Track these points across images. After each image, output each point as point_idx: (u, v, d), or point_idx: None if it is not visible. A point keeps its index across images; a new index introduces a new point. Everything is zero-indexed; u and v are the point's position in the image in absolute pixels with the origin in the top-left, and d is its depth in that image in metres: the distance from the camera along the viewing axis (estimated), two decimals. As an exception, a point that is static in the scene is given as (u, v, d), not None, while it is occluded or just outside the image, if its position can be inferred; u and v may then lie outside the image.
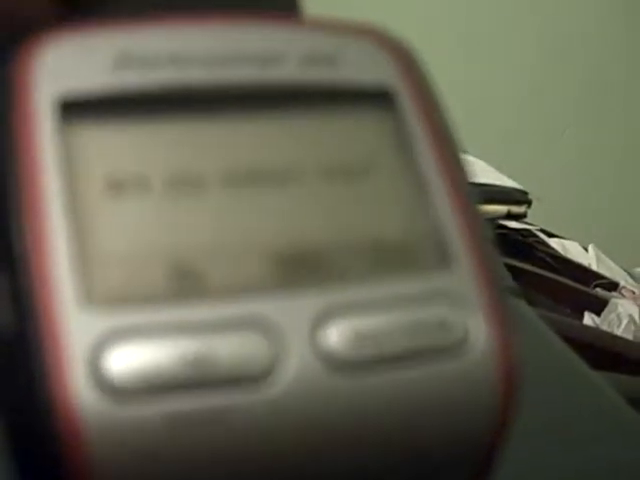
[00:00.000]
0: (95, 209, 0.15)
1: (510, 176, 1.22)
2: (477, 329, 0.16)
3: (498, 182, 1.18)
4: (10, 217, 0.15)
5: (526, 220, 1.22)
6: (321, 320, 0.16)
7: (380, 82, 0.18)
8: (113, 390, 0.14)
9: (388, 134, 0.18)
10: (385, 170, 0.17)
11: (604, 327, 1.04)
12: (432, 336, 0.16)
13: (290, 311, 0.15)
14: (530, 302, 0.48)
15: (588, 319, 1.06)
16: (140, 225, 0.16)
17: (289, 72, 0.17)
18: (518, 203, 1.19)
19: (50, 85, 0.16)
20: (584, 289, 1.14)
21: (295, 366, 0.15)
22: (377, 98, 0.18)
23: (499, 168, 1.22)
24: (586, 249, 1.30)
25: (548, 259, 1.20)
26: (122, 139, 0.16)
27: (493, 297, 0.17)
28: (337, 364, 0.15)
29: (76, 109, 0.16)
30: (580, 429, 0.31)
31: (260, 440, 0.15)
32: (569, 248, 1.27)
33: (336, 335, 0.16)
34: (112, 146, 0.16)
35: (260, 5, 0.19)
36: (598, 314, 1.07)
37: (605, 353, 0.88)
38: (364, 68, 0.18)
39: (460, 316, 0.16)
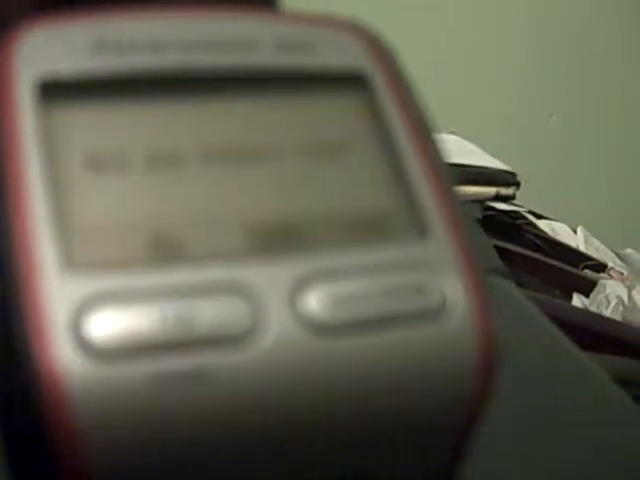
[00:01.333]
0: (75, 183, 0.16)
1: (498, 158, 1.23)
2: (454, 294, 0.17)
3: (487, 164, 1.18)
4: None
5: (515, 202, 1.22)
6: (300, 285, 0.16)
7: (354, 67, 0.18)
8: (95, 352, 0.14)
9: (362, 115, 0.18)
10: (360, 147, 0.18)
11: (593, 308, 1.04)
12: (410, 301, 0.16)
13: (269, 277, 0.16)
14: (519, 283, 0.49)
15: (577, 300, 1.07)
16: (120, 197, 0.16)
17: (264, 57, 0.18)
18: (507, 185, 1.19)
19: (30, 69, 0.16)
20: (573, 271, 1.14)
21: (275, 329, 0.15)
22: (351, 81, 0.18)
23: (487, 150, 1.22)
24: (575, 231, 1.31)
25: (537, 241, 1.20)
26: (101, 119, 0.16)
27: (469, 264, 0.17)
28: (316, 327, 0.16)
29: (55, 91, 0.16)
30: (567, 409, 0.31)
31: (241, 400, 0.15)
32: (558, 230, 1.28)
33: (315, 299, 0.16)
34: (91, 125, 0.16)
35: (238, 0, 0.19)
36: (587, 295, 1.08)
37: (593, 334, 0.88)
38: (338, 54, 0.18)
39: (437, 282, 0.17)
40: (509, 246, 1.09)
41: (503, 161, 1.21)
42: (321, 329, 0.16)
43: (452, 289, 0.17)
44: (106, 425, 0.14)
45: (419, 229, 0.17)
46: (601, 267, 1.18)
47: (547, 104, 1.60)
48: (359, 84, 0.18)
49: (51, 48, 0.16)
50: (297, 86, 0.18)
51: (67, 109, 0.16)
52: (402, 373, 0.16)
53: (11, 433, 0.15)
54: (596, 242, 1.30)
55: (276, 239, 0.16)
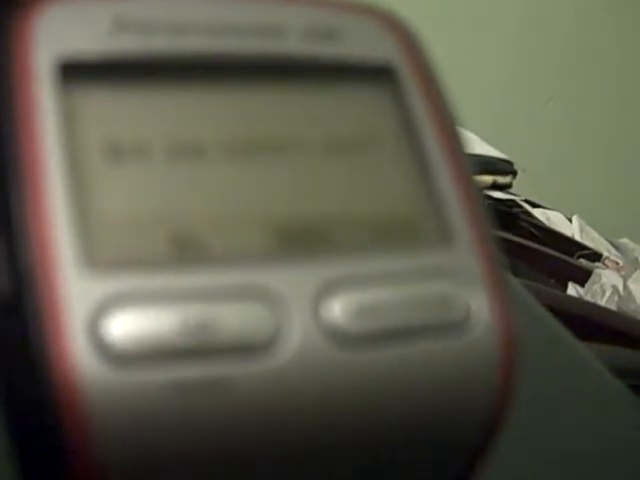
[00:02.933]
0: (94, 173, 0.15)
1: (495, 146, 1.22)
2: (479, 307, 0.16)
3: (484, 152, 1.18)
4: (9, 181, 0.14)
5: (511, 191, 1.22)
6: (324, 292, 0.15)
7: (381, 58, 0.18)
8: (114, 357, 0.14)
9: (389, 109, 0.18)
10: (387, 144, 0.17)
11: (588, 298, 1.04)
12: (434, 312, 0.16)
13: (293, 282, 0.15)
14: (514, 272, 0.48)
15: (572, 290, 1.07)
16: (140, 191, 0.15)
17: (290, 45, 0.17)
18: (503, 173, 1.19)
19: (49, 47, 0.15)
20: (568, 260, 1.14)
21: (297, 337, 0.15)
22: (378, 73, 0.18)
23: (484, 138, 1.22)
24: (570, 220, 1.31)
25: (532, 230, 1.20)
26: (122, 104, 0.16)
27: (494, 274, 0.17)
28: (339, 337, 0.15)
29: (75, 71, 0.15)
30: (564, 399, 0.31)
31: (261, 410, 0.15)
32: (553, 219, 1.28)
33: (339, 308, 0.15)
34: (112, 110, 0.16)
35: None
36: (582, 285, 1.08)
37: (589, 324, 0.88)
38: (365, 44, 0.18)
39: (462, 293, 0.16)
40: (505, 235, 1.09)
41: (499, 149, 1.20)
42: (344, 339, 0.15)
43: (476, 301, 0.16)
44: (123, 431, 0.14)
45: (445, 236, 0.17)
46: (596, 256, 1.19)
47: (544, 91, 1.59)
48: (387, 76, 0.18)
49: (70, 26, 0.16)
50: (324, 77, 0.18)
51: (86, 92, 0.15)
52: (425, 385, 0.16)
53: (26, 437, 0.15)
54: (591, 231, 1.30)
55: (301, 241, 0.16)
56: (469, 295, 0.16)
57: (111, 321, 0.14)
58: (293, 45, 0.17)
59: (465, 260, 0.17)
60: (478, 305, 0.16)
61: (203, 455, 0.14)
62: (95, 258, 0.14)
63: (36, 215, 0.14)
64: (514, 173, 1.20)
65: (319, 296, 0.15)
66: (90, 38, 0.16)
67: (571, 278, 1.09)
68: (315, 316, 0.15)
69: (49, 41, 0.15)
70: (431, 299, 0.16)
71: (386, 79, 0.18)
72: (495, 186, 1.18)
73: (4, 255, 0.14)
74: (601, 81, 1.61)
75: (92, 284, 0.14)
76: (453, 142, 0.18)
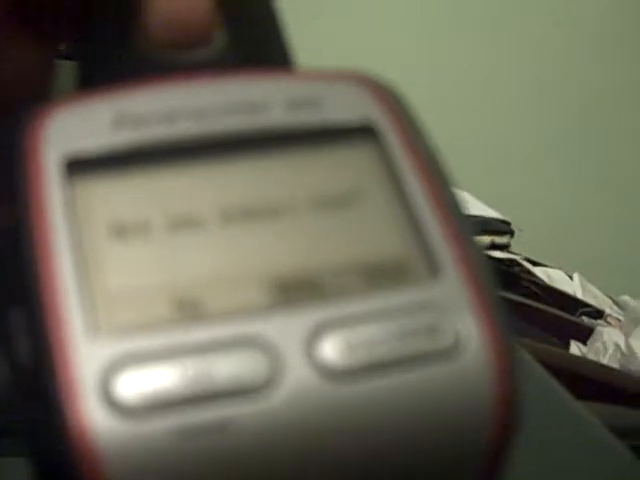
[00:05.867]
0: (100, 251, 0.17)
1: (492, 206, 1.23)
2: (468, 334, 0.17)
3: (480, 212, 1.18)
4: (25, 262, 0.16)
5: (510, 249, 1.22)
6: (315, 334, 0.17)
7: (363, 119, 0.19)
8: (123, 411, 0.15)
9: (374, 166, 0.19)
10: (373, 198, 0.18)
11: (590, 356, 1.04)
12: (423, 342, 0.17)
13: (285, 328, 0.16)
14: (515, 331, 0.48)
15: (574, 348, 1.06)
16: (142, 263, 0.17)
17: (275, 117, 0.18)
18: (501, 233, 1.19)
19: (56, 148, 0.18)
20: (570, 317, 1.14)
21: (292, 378, 0.16)
22: (362, 133, 0.19)
23: (481, 199, 1.22)
24: (571, 277, 1.31)
25: (533, 288, 1.20)
26: (123, 189, 0.18)
27: (484, 304, 0.17)
28: (332, 373, 0.16)
29: (79, 167, 0.18)
30: (562, 459, 0.31)
31: (261, 448, 0.16)
32: (554, 277, 1.28)
33: (329, 347, 0.16)
34: (114, 195, 0.18)
35: (254, 62, 0.20)
36: (584, 342, 1.07)
37: (591, 382, 0.88)
38: (347, 107, 0.19)
39: (450, 322, 0.17)
40: (505, 294, 1.08)
41: (495, 208, 1.21)
42: (337, 375, 0.16)
43: (465, 327, 0.17)
44: (135, 477, 0.15)
45: (432, 271, 0.17)
46: (598, 314, 1.18)
47: (540, 149, 1.61)
48: (369, 135, 0.19)
49: (74, 127, 0.18)
50: (308, 142, 0.19)
51: (90, 183, 0.18)
52: (419, 414, 0.16)
53: None
54: (593, 288, 1.30)
55: (292, 291, 0.17)
56: (457, 322, 0.17)
57: (118, 379, 0.16)
58: (277, 117, 0.18)
59: (452, 290, 0.17)
60: (467, 331, 0.17)
61: None
62: (102, 325, 0.16)
63: (49, 291, 0.16)
64: (511, 233, 1.20)
65: (310, 338, 0.16)
66: (91, 136, 0.18)
67: (573, 336, 1.09)
68: (307, 357, 0.16)
69: (55, 143, 0.18)
70: (419, 329, 0.17)
71: (369, 137, 0.19)
72: (493, 246, 1.18)
73: (24, 327, 0.16)
74: (599, 139, 1.63)
75: (100, 348, 0.16)
76: (439, 191, 0.18)
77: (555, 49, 1.60)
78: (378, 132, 0.19)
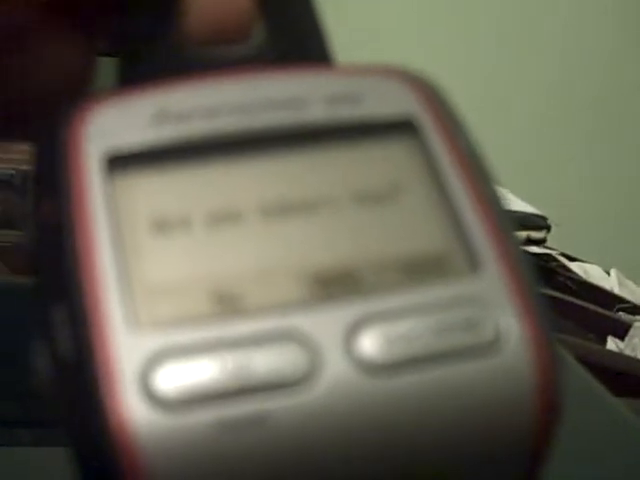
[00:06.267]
0: (141, 246, 0.17)
1: (529, 202, 1.22)
2: (508, 329, 0.17)
3: (516, 207, 1.18)
4: (66, 257, 0.17)
5: (546, 245, 1.21)
6: (354, 329, 0.17)
7: (403, 113, 0.19)
8: (163, 404, 0.16)
9: (414, 160, 0.19)
10: (413, 193, 0.18)
11: (627, 352, 1.03)
12: (462, 337, 0.17)
13: (324, 323, 0.17)
14: (556, 327, 0.48)
15: (611, 344, 1.05)
16: (183, 257, 0.17)
17: (315, 113, 0.19)
18: (537, 228, 1.18)
19: (97, 144, 0.18)
20: (607, 313, 1.13)
21: (330, 372, 0.16)
22: (401, 128, 0.19)
23: (517, 194, 1.21)
24: (608, 273, 1.29)
25: (570, 283, 1.19)
26: (163, 184, 0.18)
27: (525, 299, 0.17)
28: (370, 369, 0.16)
29: (121, 162, 0.18)
30: (599, 457, 0.31)
31: (300, 441, 0.16)
32: (591, 272, 1.27)
33: (368, 341, 0.16)
34: (155, 191, 0.18)
35: (293, 58, 0.20)
36: (622, 338, 1.06)
37: (629, 378, 0.87)
38: (386, 102, 0.19)
39: (490, 316, 0.17)
40: (542, 289, 1.08)
41: (532, 204, 1.20)
42: (376, 370, 0.16)
43: (505, 322, 0.17)
44: (175, 472, 0.16)
45: (471, 266, 0.17)
46: (636, 309, 1.17)
47: (576, 144, 1.59)
48: (409, 129, 0.19)
49: (116, 123, 0.18)
50: (348, 137, 0.19)
51: (132, 179, 0.18)
52: (457, 409, 0.16)
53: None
54: (630, 284, 1.28)
55: (331, 286, 0.17)
56: (497, 316, 0.17)
57: (158, 373, 0.16)
58: (317, 113, 0.19)
59: (493, 285, 0.17)
60: (507, 326, 0.17)
61: None
62: (142, 319, 0.16)
63: (90, 285, 0.16)
64: (548, 228, 1.19)
65: (349, 333, 0.17)
66: (132, 132, 0.18)
67: (610, 332, 1.08)
68: (345, 351, 0.16)
69: (97, 139, 0.18)
70: (459, 324, 0.17)
71: (408, 132, 0.19)
72: (529, 241, 1.17)
73: (66, 321, 0.16)
74: (634, 130, 1.61)
75: (140, 342, 0.16)
76: (479, 185, 0.18)
77: (589, 41, 1.59)
78: (418, 127, 0.19)
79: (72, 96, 0.21)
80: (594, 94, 1.60)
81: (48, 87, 0.22)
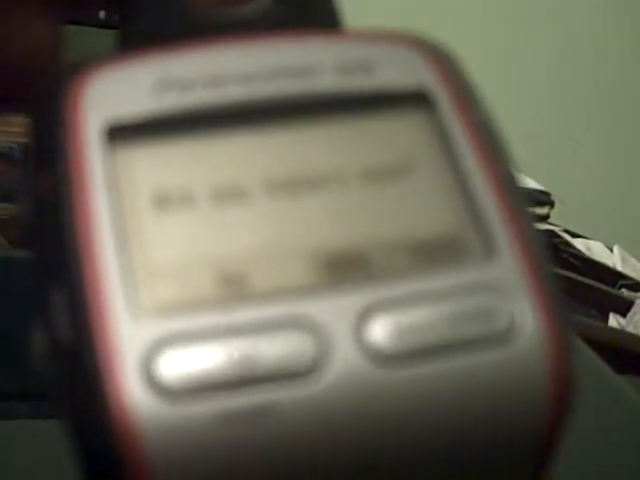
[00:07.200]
0: (143, 224, 0.16)
1: (532, 178, 1.22)
2: (523, 317, 0.16)
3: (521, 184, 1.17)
4: (65, 237, 0.16)
5: (549, 221, 1.21)
6: (364, 316, 0.16)
7: (416, 84, 0.18)
8: (165, 392, 0.15)
9: (427, 134, 0.18)
10: (426, 169, 0.18)
11: (629, 329, 1.03)
12: (476, 325, 0.16)
13: (334, 309, 0.16)
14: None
15: (613, 321, 1.06)
16: (186, 236, 0.16)
17: (324, 82, 0.18)
18: (541, 205, 1.18)
19: (96, 114, 0.17)
20: (609, 290, 1.13)
21: (341, 361, 0.16)
22: (414, 100, 0.18)
23: (520, 170, 1.21)
24: (611, 249, 1.29)
25: (572, 260, 1.19)
26: (166, 157, 0.17)
27: (540, 286, 0.17)
28: (381, 357, 0.16)
29: (121, 133, 0.17)
30: (601, 433, 0.31)
31: (308, 433, 0.15)
32: (594, 249, 1.27)
33: (379, 329, 0.16)
34: (157, 164, 0.17)
35: (302, 20, 0.19)
36: (624, 315, 1.07)
37: (631, 355, 0.87)
38: (400, 72, 0.18)
39: (505, 304, 0.16)
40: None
41: (535, 179, 1.20)
42: (387, 359, 0.16)
43: (520, 311, 0.16)
44: (177, 462, 0.15)
45: (486, 251, 0.17)
46: (638, 286, 1.17)
47: (579, 119, 1.59)
48: (422, 102, 0.18)
49: (116, 92, 0.17)
50: (359, 109, 0.18)
51: (133, 150, 0.17)
52: (470, 399, 0.16)
53: (83, 470, 0.16)
54: (633, 261, 1.28)
55: (341, 269, 0.16)
56: (512, 305, 0.16)
57: (161, 360, 0.15)
58: (327, 82, 0.18)
59: (507, 272, 0.17)
60: (522, 314, 0.16)
61: None
62: (144, 303, 0.16)
63: (90, 265, 0.16)
64: (551, 204, 1.19)
65: (360, 320, 0.16)
66: (133, 101, 0.17)
67: (613, 309, 1.08)
68: (356, 339, 0.16)
69: (96, 109, 0.17)
70: (472, 312, 0.16)
71: (422, 104, 0.18)
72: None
73: (66, 306, 0.16)
74: (637, 108, 1.60)
75: (142, 327, 0.15)
76: (495, 162, 0.18)
77: (602, 22, 1.58)
78: (432, 99, 0.18)
79: (41, 68, 0.20)
80: (600, 67, 1.59)
81: (19, 64, 0.21)
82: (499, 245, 0.17)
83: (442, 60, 0.19)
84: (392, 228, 0.17)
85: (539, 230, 0.18)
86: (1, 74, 0.20)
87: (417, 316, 0.16)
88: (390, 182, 0.17)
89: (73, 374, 0.16)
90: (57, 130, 0.17)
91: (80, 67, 0.18)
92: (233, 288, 0.16)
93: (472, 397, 0.16)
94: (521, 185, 0.18)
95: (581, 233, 1.29)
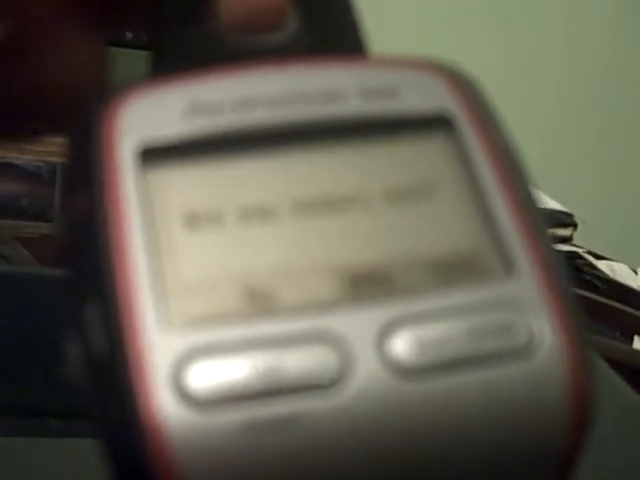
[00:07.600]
0: (173, 242, 0.17)
1: (555, 199, 1.21)
2: (542, 332, 0.17)
3: (542, 205, 1.17)
4: (100, 255, 0.17)
5: (573, 242, 1.21)
6: (386, 331, 0.16)
7: (438, 109, 0.19)
8: (194, 403, 0.16)
9: (449, 157, 0.18)
10: (448, 191, 0.18)
11: (654, 351, 1.02)
12: (495, 340, 0.17)
13: (356, 324, 0.16)
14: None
15: (638, 343, 1.05)
16: (215, 254, 0.17)
17: (349, 106, 0.18)
18: (564, 226, 1.18)
19: (130, 137, 0.18)
20: (634, 312, 1.12)
21: (363, 374, 0.16)
22: (436, 124, 0.19)
23: (543, 191, 1.21)
24: (635, 271, 1.28)
25: (596, 282, 1.18)
26: (196, 178, 0.18)
27: (559, 302, 0.17)
28: (403, 371, 0.16)
29: (154, 156, 0.18)
30: (621, 454, 0.31)
31: (332, 445, 0.16)
32: (618, 270, 1.26)
33: (401, 344, 0.16)
34: (187, 184, 0.18)
35: (327, 48, 0.20)
36: (648, 338, 1.05)
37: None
38: (423, 97, 0.19)
39: (523, 320, 0.17)
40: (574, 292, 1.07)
41: (558, 200, 1.19)
42: (408, 373, 0.16)
43: (539, 326, 0.17)
44: (205, 471, 0.16)
45: (505, 268, 0.17)
46: (663, 309, 1.16)
47: (601, 139, 1.58)
48: (444, 126, 0.19)
49: (149, 116, 0.18)
50: (382, 132, 0.19)
51: (164, 173, 0.18)
52: (490, 414, 0.16)
53: (119, 477, 0.16)
54: (657, 283, 1.27)
55: (364, 286, 0.17)
56: (531, 320, 0.17)
57: (190, 371, 0.16)
58: (352, 106, 0.18)
59: (527, 288, 0.17)
60: (541, 329, 0.17)
61: None
62: (174, 317, 0.16)
63: (122, 282, 0.16)
64: (574, 225, 1.19)
65: (382, 334, 0.16)
66: (165, 124, 0.18)
67: (637, 331, 1.07)
68: (378, 354, 0.16)
69: (129, 132, 0.18)
70: (491, 327, 0.17)
71: (443, 128, 0.19)
72: (555, 239, 1.17)
73: (100, 320, 0.16)
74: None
75: (171, 340, 0.16)
76: (515, 185, 0.18)
77: (614, 36, 1.58)
78: (454, 123, 0.19)
79: (86, 89, 0.21)
80: (622, 89, 1.58)
81: (60, 91, 0.21)
82: (518, 263, 0.17)
83: (463, 85, 0.19)
84: (414, 247, 0.18)
85: (558, 250, 0.18)
86: (47, 93, 0.21)
87: (438, 331, 0.17)
88: (412, 203, 0.18)
89: (106, 386, 0.16)
90: (93, 151, 0.18)
91: (115, 91, 0.18)
92: (259, 303, 0.17)
93: (492, 409, 0.16)
94: (540, 206, 0.19)
95: (605, 255, 1.28)
